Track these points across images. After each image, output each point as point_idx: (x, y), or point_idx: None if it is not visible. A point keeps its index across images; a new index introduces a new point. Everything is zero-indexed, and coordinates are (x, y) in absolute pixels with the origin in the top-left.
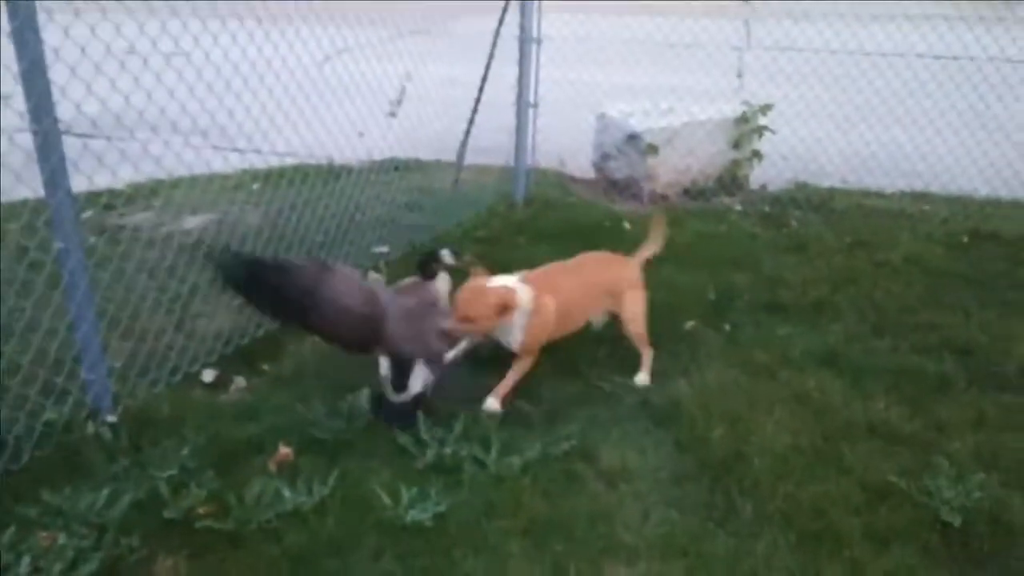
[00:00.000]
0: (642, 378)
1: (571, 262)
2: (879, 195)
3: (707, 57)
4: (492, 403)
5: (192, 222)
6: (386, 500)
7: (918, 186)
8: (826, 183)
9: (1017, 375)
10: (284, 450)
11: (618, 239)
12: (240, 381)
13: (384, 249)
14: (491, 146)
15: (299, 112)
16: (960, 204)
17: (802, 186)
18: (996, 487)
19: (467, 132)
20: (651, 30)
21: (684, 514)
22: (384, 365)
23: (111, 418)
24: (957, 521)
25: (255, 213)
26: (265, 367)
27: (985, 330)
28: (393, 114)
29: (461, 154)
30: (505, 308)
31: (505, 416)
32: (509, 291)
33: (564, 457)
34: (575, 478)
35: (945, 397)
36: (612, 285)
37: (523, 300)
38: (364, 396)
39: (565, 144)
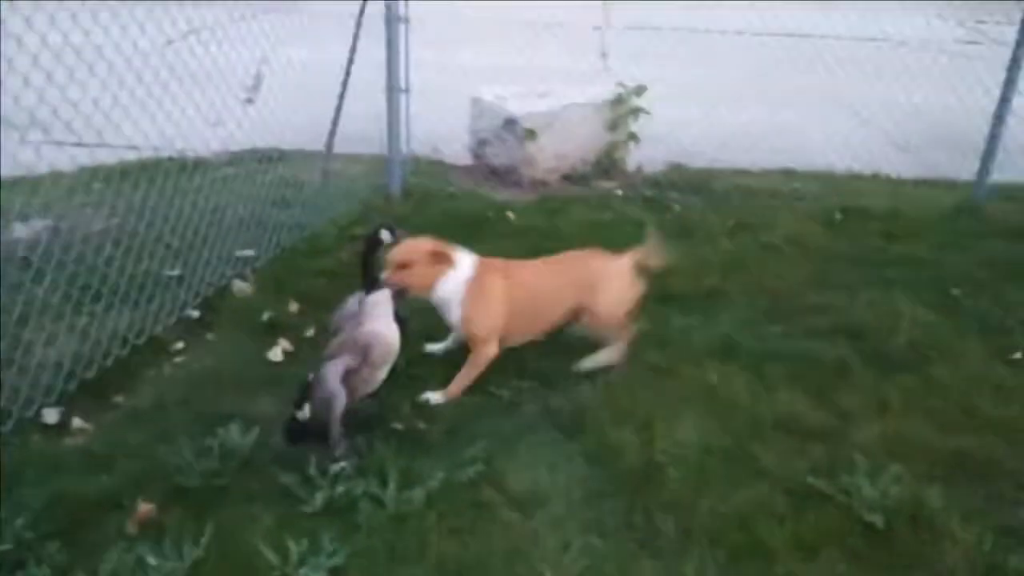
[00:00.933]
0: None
1: (549, 258)
2: (749, 173)
3: (569, 37)
4: (434, 396)
5: (21, 231)
6: (272, 557)
7: (784, 163)
8: (698, 163)
9: (907, 352)
10: (145, 506)
11: (503, 231)
12: (83, 423)
13: (249, 253)
14: (360, 134)
15: (139, 99)
16: (826, 181)
17: (676, 167)
18: (911, 480)
19: (335, 119)
20: (511, 9)
21: (605, 539)
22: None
23: None
24: (880, 522)
25: (97, 217)
26: (118, 399)
27: (872, 309)
28: (250, 100)
29: (330, 143)
30: (439, 257)
31: (400, 438)
32: (447, 246)
33: (470, 484)
34: (485, 508)
35: (845, 383)
36: (584, 278)
37: (463, 264)
38: (235, 428)
39: (438, 130)
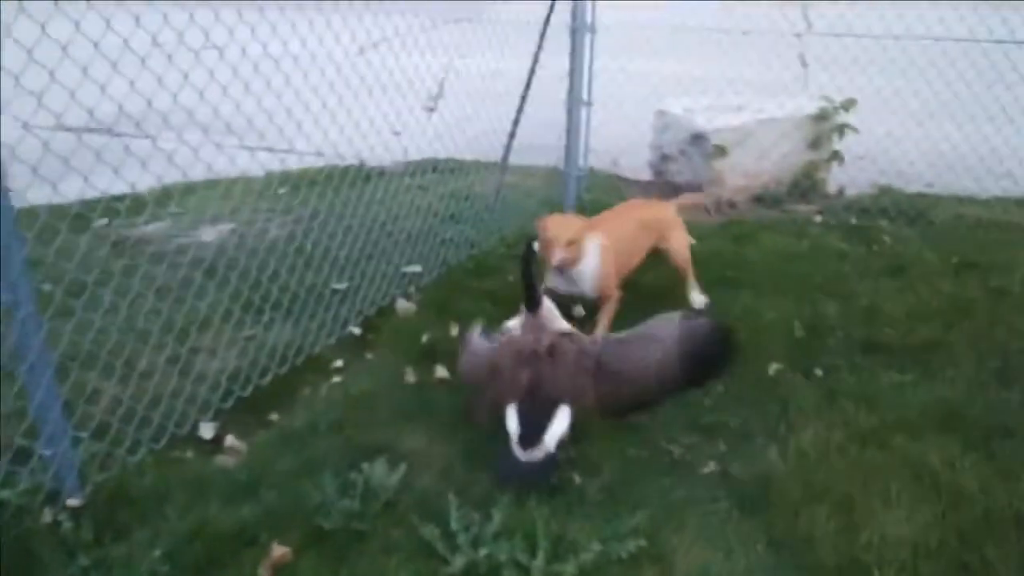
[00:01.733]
0: (697, 297)
1: (617, 207)
2: (974, 202)
3: (765, 45)
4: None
5: (209, 233)
6: None
7: (1017, 191)
8: (910, 187)
9: None
10: (279, 549)
11: None
12: (236, 442)
13: (416, 269)
14: (537, 144)
15: (330, 108)
16: None
17: (886, 191)
18: None
19: (511, 134)
20: (703, 17)
21: None
22: (512, 417)
23: (74, 501)
24: None
25: (277, 223)
26: (273, 416)
27: None
28: (431, 109)
29: (505, 157)
30: (588, 229)
31: (552, 493)
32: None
33: (630, 561)
34: None
35: None
36: (656, 222)
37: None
38: (381, 466)
39: (618, 142)
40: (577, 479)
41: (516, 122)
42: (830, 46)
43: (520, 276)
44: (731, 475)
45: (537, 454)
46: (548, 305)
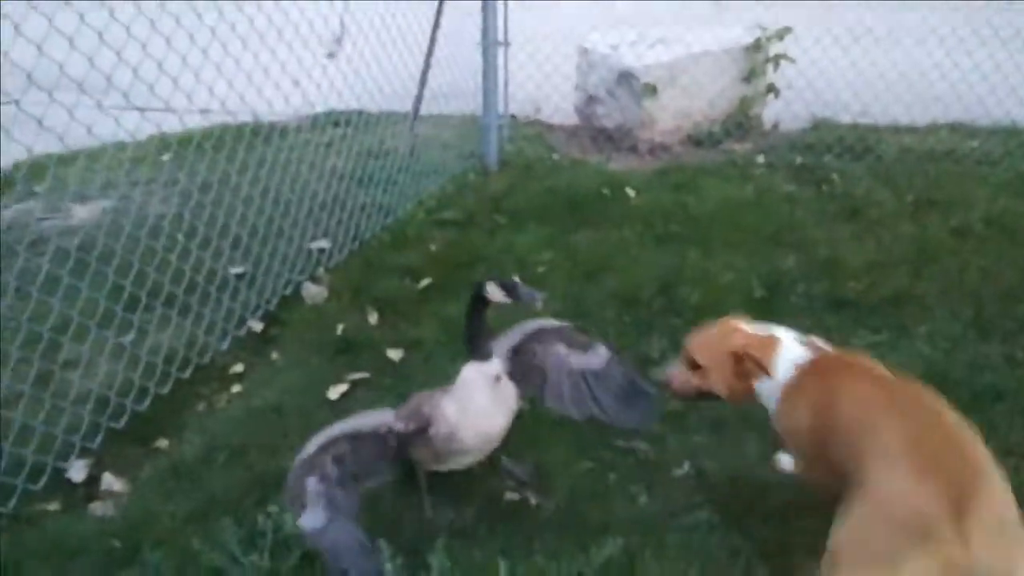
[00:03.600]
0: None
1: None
2: (914, 131)
3: None
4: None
5: (81, 212)
6: None
7: (953, 116)
8: (846, 118)
9: None
10: None
11: (621, 212)
12: (116, 481)
13: (323, 244)
14: (455, 90)
15: (217, 63)
16: (1012, 138)
17: (823, 123)
18: None
19: (422, 80)
20: None
21: None
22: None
23: None
24: None
25: (160, 196)
26: (161, 443)
27: None
28: (332, 55)
29: (416, 108)
30: (747, 361)
31: (507, 521)
32: (767, 339)
33: None
34: None
35: None
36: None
37: (786, 358)
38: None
39: (541, 86)
40: (532, 500)
41: (425, 69)
42: None
43: (465, 318)
44: (707, 475)
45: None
46: (471, 376)
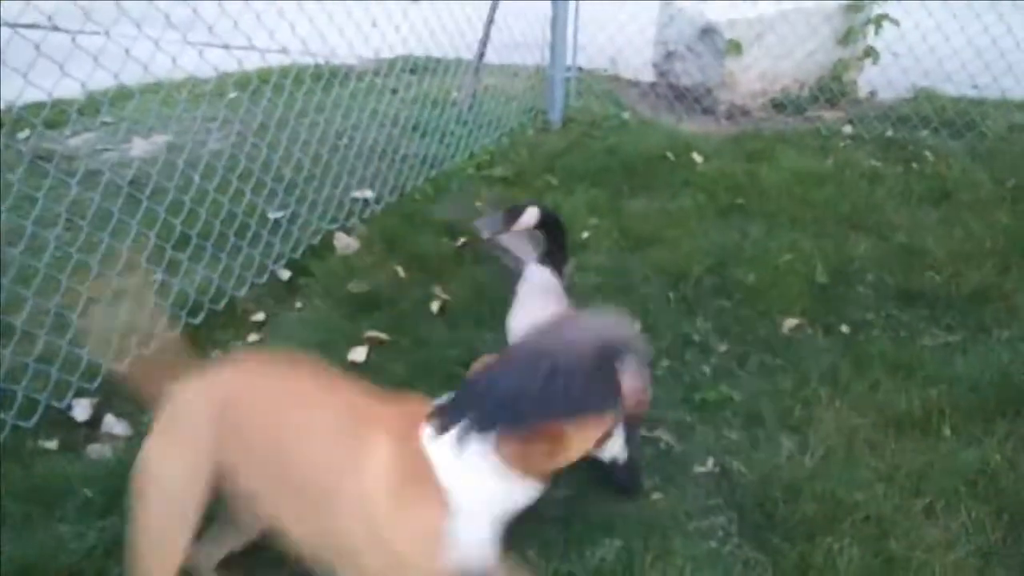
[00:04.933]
0: None
1: None
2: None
3: None
4: None
5: (140, 147)
6: None
7: None
8: (955, 90)
9: None
10: None
11: (684, 180)
12: (117, 423)
13: (368, 194)
14: (523, 38)
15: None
16: None
17: (925, 94)
18: None
19: (487, 29)
20: None
21: None
22: None
23: None
24: None
25: (218, 135)
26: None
27: None
28: None
29: (479, 56)
30: None
31: None
32: None
33: None
34: None
35: None
36: None
37: None
38: None
39: (611, 38)
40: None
41: (492, 10)
42: None
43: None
44: (732, 476)
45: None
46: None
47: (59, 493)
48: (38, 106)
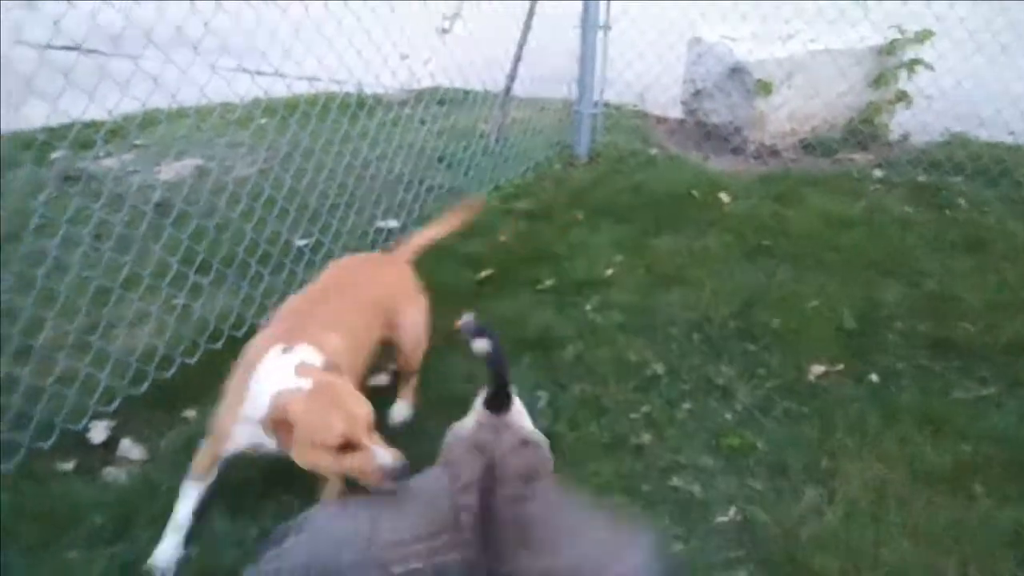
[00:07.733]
0: (401, 409)
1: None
2: None
3: None
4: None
5: (170, 170)
6: None
7: None
8: (991, 135)
9: None
10: None
11: (710, 219)
12: (134, 447)
13: (392, 224)
14: (552, 73)
15: (320, 24)
16: None
17: (959, 139)
18: None
19: (515, 60)
20: None
21: None
22: None
23: None
24: None
25: (247, 160)
26: (189, 412)
27: None
28: (446, 31)
29: (507, 90)
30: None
31: None
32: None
33: None
34: None
35: None
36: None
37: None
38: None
39: (639, 75)
40: None
41: (522, 43)
42: None
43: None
44: (755, 527)
45: None
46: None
47: (71, 518)
48: (67, 128)
